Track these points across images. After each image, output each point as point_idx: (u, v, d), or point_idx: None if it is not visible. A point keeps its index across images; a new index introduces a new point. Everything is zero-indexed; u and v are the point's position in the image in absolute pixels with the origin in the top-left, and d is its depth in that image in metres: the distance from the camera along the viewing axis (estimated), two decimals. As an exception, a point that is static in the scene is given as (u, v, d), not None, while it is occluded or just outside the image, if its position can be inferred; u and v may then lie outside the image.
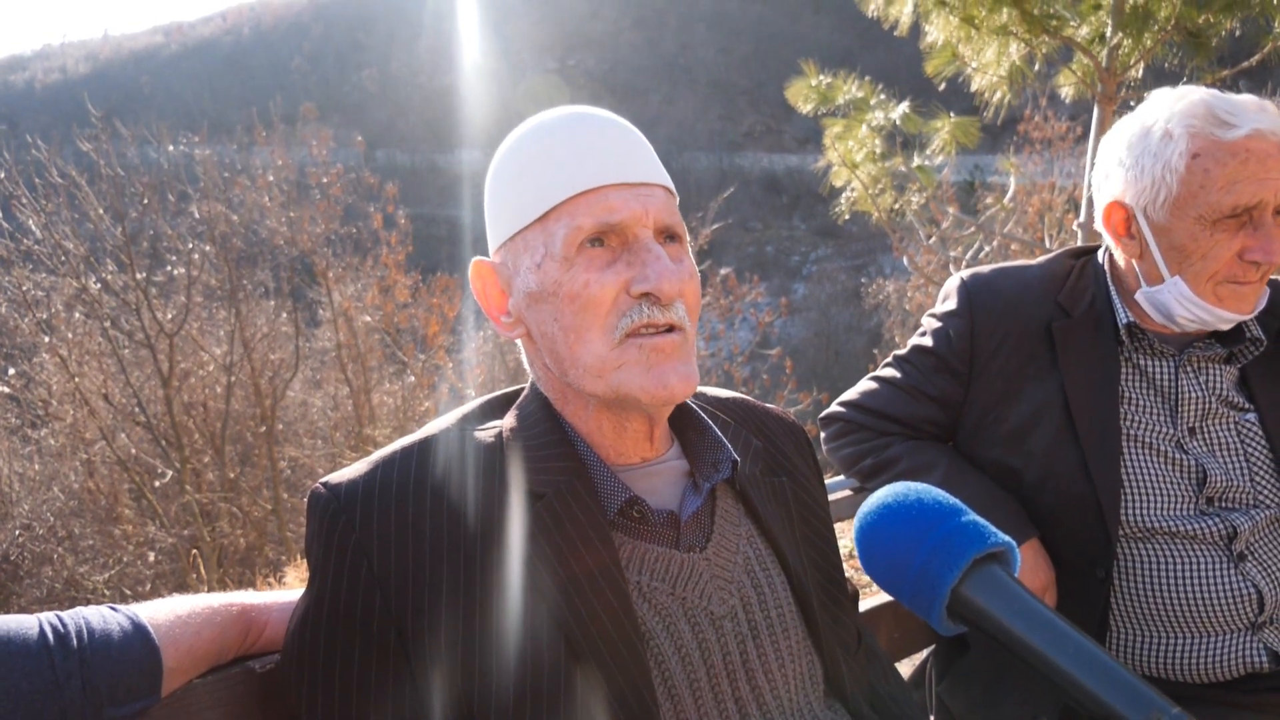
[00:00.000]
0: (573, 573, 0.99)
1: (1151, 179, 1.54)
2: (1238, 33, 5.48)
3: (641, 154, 1.09)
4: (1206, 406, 1.61)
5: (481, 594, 0.96)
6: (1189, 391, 1.61)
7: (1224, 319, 1.56)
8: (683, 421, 1.20)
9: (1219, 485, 1.56)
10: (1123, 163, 1.59)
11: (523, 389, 1.18)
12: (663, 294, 1.01)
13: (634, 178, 1.05)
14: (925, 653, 1.88)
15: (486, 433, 1.08)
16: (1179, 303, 1.56)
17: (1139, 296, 1.63)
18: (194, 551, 11.71)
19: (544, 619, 0.97)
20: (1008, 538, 0.93)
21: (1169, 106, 1.54)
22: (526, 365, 1.16)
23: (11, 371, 14.42)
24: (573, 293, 1.02)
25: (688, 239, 1.11)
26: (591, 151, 1.05)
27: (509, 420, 1.11)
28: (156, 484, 13.44)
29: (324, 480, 1.03)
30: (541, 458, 1.05)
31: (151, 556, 12.85)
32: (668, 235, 1.07)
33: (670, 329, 1.04)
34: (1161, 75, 5.49)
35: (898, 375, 1.82)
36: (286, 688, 1.00)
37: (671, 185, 1.12)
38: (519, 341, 1.15)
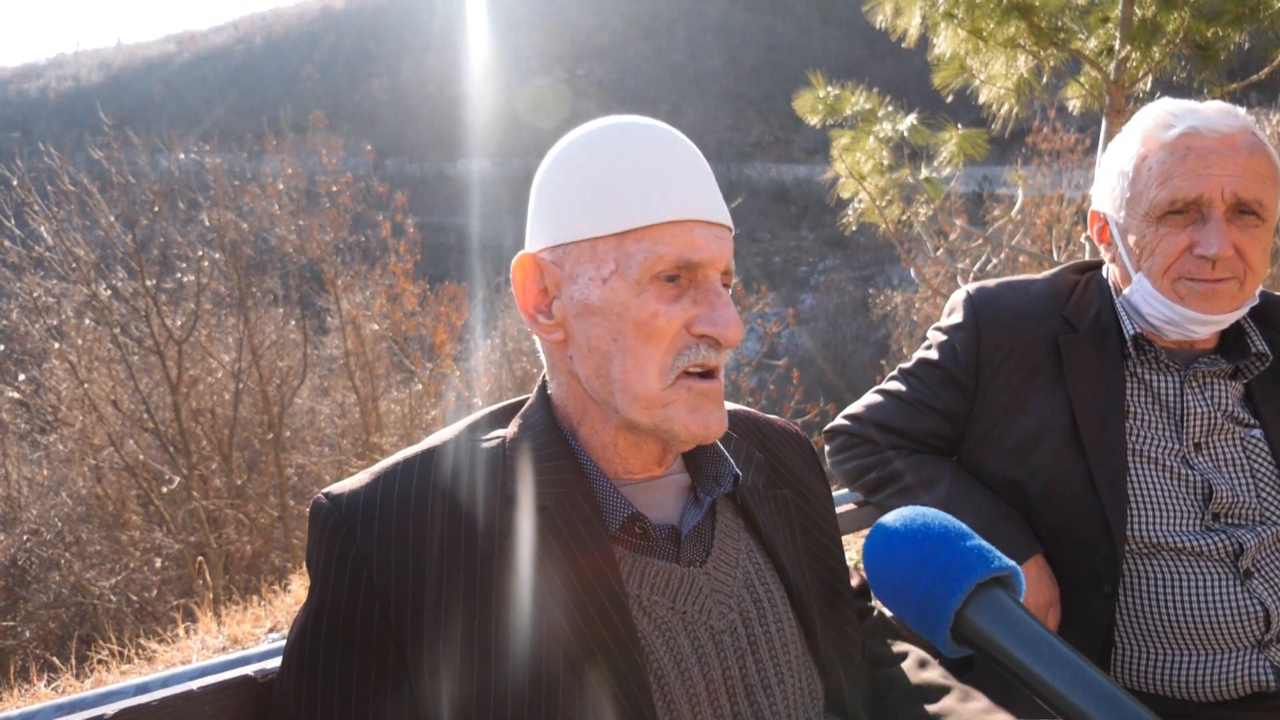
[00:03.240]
0: (573, 585, 0.98)
1: (1111, 184, 1.63)
2: (1246, 46, 5.47)
3: (718, 193, 1.09)
4: (1212, 422, 1.60)
5: (482, 606, 0.96)
6: (1194, 406, 1.60)
7: (1190, 318, 1.56)
8: None
9: (1225, 501, 1.56)
10: (1101, 174, 1.68)
11: (527, 399, 1.17)
12: (726, 340, 1.03)
13: (716, 217, 1.05)
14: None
15: (489, 444, 1.08)
16: (1145, 300, 1.60)
17: (1119, 301, 1.67)
18: (200, 558, 11.72)
19: (544, 631, 0.96)
20: (1012, 562, 0.93)
21: (1137, 118, 1.62)
22: (546, 369, 1.14)
23: (22, 377, 14.49)
24: (640, 320, 1.02)
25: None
26: (679, 180, 1.04)
27: (512, 431, 1.10)
28: (164, 490, 13.48)
29: (326, 490, 1.03)
30: (544, 470, 1.05)
31: (158, 562, 12.89)
32: (725, 279, 1.08)
33: (712, 373, 1.05)
34: (1170, 88, 5.48)
35: (903, 388, 1.81)
36: (285, 698, 0.99)
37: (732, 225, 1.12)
38: (539, 343, 1.12)
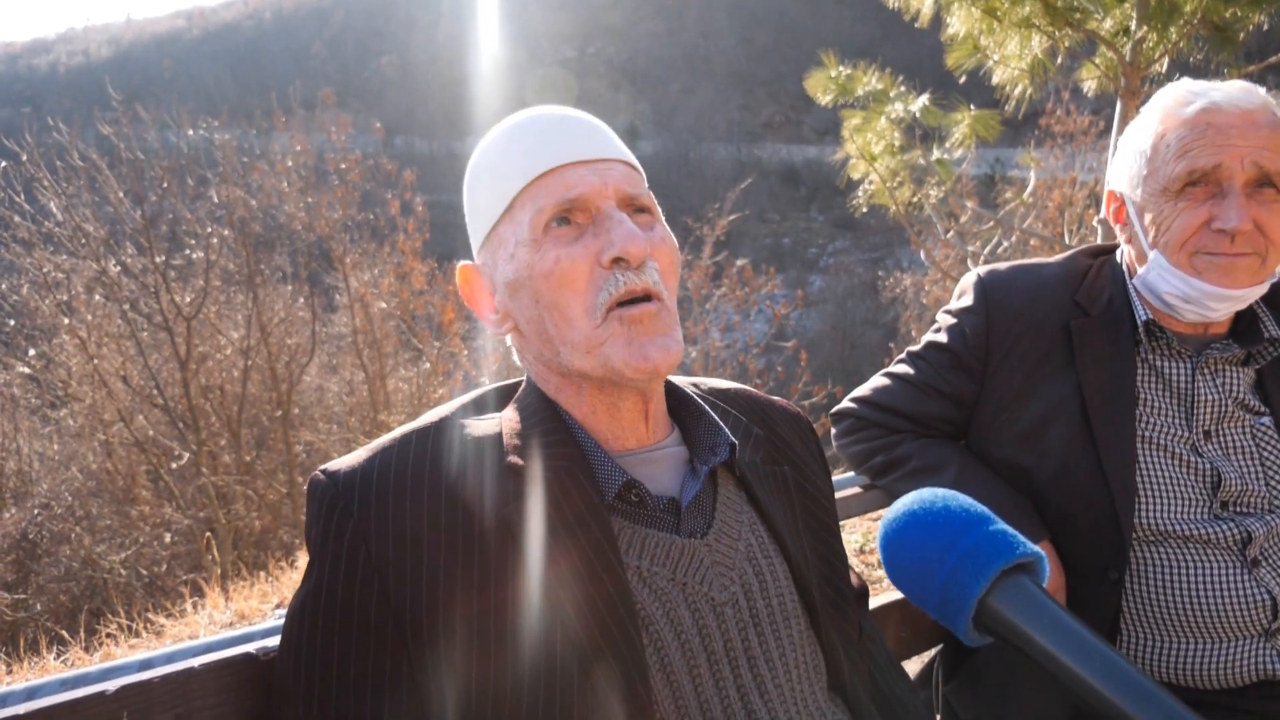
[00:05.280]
0: (570, 557, 0.99)
1: (1129, 164, 1.61)
2: (1265, 27, 5.39)
3: (598, 134, 1.11)
4: (1222, 409, 1.59)
5: (480, 580, 0.97)
6: (1205, 394, 1.59)
7: (1208, 293, 1.53)
8: (680, 408, 1.20)
9: (1234, 489, 1.54)
10: (1117, 155, 1.66)
11: (522, 382, 1.19)
12: (630, 255, 1.03)
13: (590, 155, 1.08)
14: (933, 652, 1.87)
15: (487, 421, 1.09)
16: (1161, 277, 1.57)
17: (1135, 282, 1.64)
18: (209, 534, 11.81)
19: (543, 604, 0.97)
20: (1036, 548, 0.91)
21: (1156, 98, 1.60)
22: (519, 362, 1.17)
23: (32, 352, 14.55)
24: (545, 271, 1.05)
25: (658, 210, 1.14)
26: (545, 138, 1.08)
27: (508, 410, 1.12)
28: (173, 466, 13.56)
29: (324, 467, 1.03)
30: (540, 445, 1.06)
31: (168, 537, 12.99)
32: (635, 208, 1.09)
33: (647, 297, 1.05)
34: (1186, 70, 5.40)
35: (911, 371, 1.80)
36: (285, 675, 1.00)
37: (634, 161, 1.14)
38: (509, 339, 1.16)
